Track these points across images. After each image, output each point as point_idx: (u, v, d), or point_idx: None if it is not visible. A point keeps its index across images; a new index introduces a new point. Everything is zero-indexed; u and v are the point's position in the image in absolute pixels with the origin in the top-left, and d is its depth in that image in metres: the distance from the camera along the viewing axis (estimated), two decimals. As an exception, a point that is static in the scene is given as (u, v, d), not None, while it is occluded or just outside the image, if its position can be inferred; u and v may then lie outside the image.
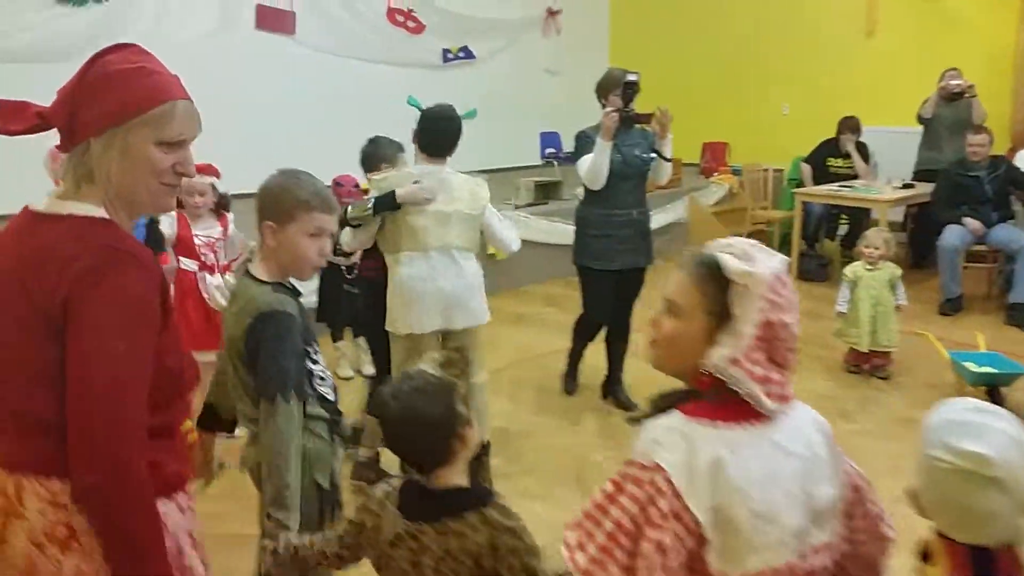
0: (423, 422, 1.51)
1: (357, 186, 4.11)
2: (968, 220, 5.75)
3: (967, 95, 6.49)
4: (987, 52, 6.88)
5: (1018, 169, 5.93)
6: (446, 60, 8.12)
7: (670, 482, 1.16)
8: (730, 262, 1.23)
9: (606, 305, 4.11)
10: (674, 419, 1.23)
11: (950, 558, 1.18)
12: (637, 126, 3.92)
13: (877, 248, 4.58)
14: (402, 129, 3.75)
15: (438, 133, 3.22)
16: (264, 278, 1.89)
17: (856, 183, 6.77)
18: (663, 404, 1.30)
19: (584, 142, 3.93)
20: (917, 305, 5.43)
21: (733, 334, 1.22)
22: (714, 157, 8.38)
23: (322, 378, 1.96)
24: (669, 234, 6.94)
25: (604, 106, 3.92)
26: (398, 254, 3.14)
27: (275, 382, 1.78)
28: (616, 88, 3.85)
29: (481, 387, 3.30)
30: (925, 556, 1.25)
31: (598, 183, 3.87)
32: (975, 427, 1.16)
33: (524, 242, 6.30)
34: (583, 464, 3.64)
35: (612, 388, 4.29)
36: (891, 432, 3.94)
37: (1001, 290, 5.94)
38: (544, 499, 3.26)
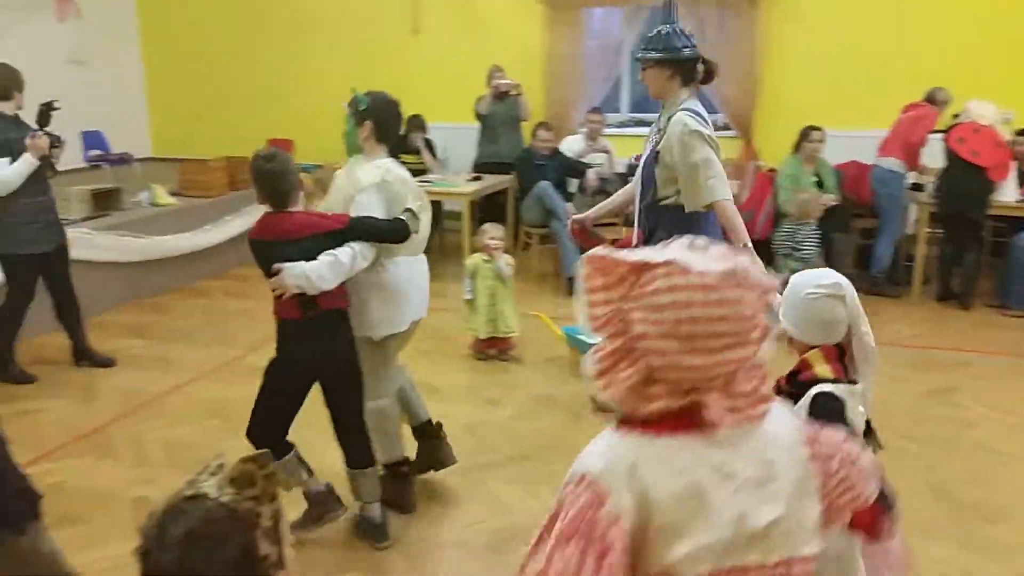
0: None
1: None
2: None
3: (513, 93, 7.13)
4: (520, 52, 7.58)
5: (569, 157, 6.70)
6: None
7: (598, 487, 1.12)
8: None
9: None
10: (607, 436, 1.20)
11: (825, 355, 1.94)
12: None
13: (498, 239, 4.77)
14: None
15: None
16: None
17: (431, 177, 7.00)
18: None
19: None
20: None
21: None
22: (279, 156, 7.97)
23: None
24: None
25: None
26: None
27: None
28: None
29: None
30: (802, 367, 1.95)
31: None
32: (824, 273, 1.98)
33: (87, 264, 5.31)
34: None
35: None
36: (536, 412, 4.12)
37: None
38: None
